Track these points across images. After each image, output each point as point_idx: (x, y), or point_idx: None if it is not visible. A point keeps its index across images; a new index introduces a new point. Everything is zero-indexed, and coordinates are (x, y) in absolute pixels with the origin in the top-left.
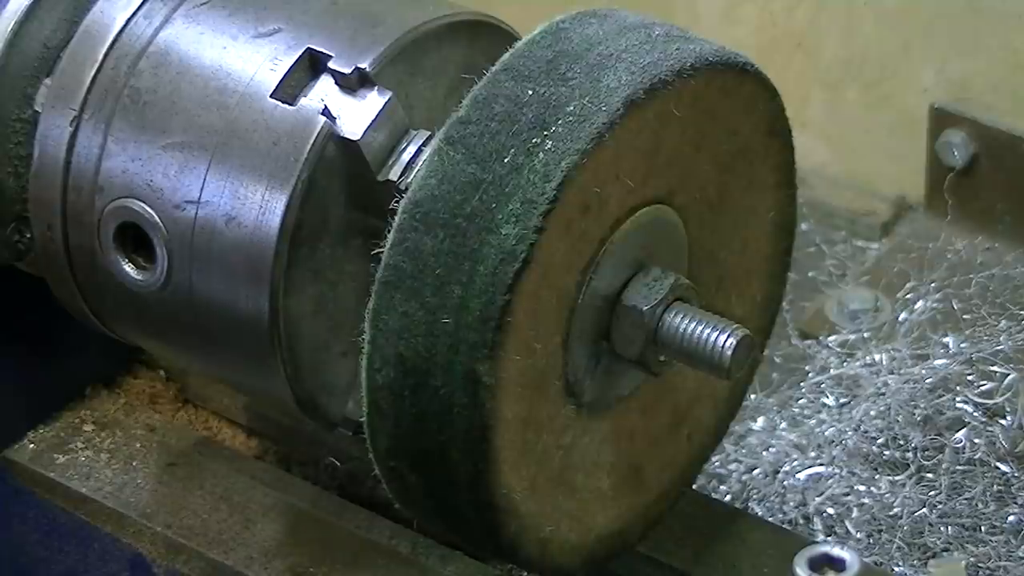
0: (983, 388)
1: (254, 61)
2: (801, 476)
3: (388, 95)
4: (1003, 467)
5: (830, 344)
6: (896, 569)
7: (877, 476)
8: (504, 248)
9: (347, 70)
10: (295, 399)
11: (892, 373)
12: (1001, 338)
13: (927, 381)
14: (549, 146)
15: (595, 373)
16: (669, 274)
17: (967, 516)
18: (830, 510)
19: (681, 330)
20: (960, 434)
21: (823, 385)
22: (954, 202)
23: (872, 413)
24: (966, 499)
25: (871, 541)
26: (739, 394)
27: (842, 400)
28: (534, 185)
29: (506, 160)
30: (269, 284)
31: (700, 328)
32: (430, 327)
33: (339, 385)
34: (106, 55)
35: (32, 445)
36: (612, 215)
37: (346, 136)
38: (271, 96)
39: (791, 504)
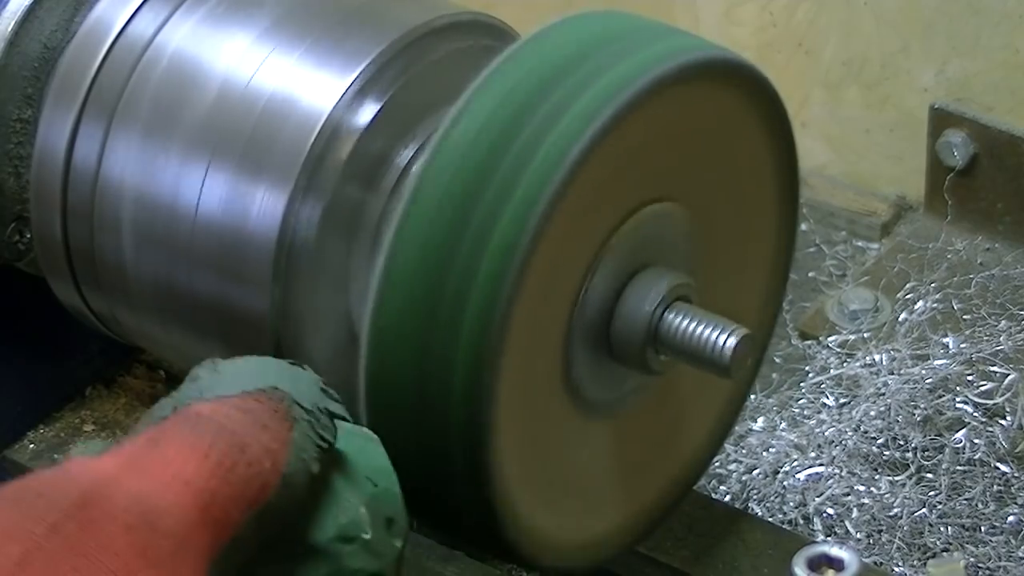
0: (983, 388)
1: (254, 61)
2: (801, 476)
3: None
4: (1003, 467)
5: (830, 344)
6: (896, 569)
7: (877, 476)
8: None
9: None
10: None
11: (892, 373)
12: (1001, 338)
13: (927, 381)
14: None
15: (596, 373)
16: (669, 273)
17: (967, 516)
18: (830, 510)
19: (681, 329)
20: (960, 434)
21: (823, 385)
22: (954, 202)
23: (872, 413)
24: (966, 499)
25: (871, 541)
26: (741, 395)
27: (842, 400)
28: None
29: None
30: (270, 284)
31: (701, 327)
32: (429, 325)
33: (339, 383)
34: (107, 55)
35: (32, 445)
36: (612, 215)
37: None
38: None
39: (791, 504)
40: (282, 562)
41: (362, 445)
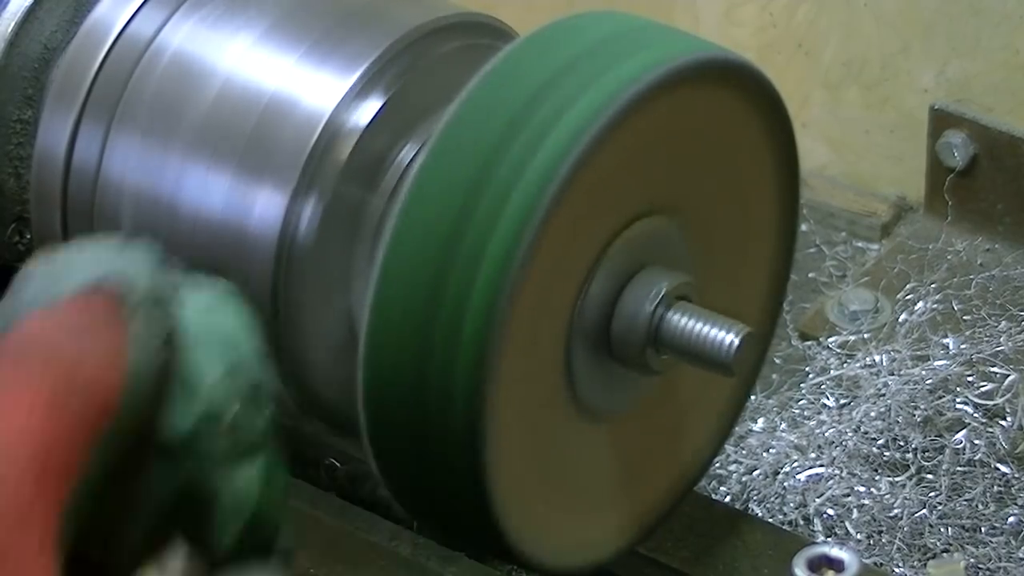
0: (983, 389)
1: (255, 61)
2: (801, 477)
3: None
4: (1003, 468)
5: (830, 345)
6: (896, 570)
7: (877, 477)
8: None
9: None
10: (296, 400)
11: (892, 374)
12: (1001, 339)
13: (927, 382)
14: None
15: (596, 374)
16: (670, 273)
17: (967, 517)
18: (830, 511)
19: (683, 328)
20: (960, 435)
21: (823, 386)
22: (954, 203)
23: (872, 414)
24: (966, 500)
25: (871, 542)
26: (742, 397)
27: (842, 401)
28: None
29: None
30: (270, 285)
31: (702, 326)
32: (428, 327)
33: (340, 385)
34: (107, 56)
35: None
36: (613, 217)
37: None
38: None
39: (791, 505)
40: (149, 469)
41: (211, 306)
